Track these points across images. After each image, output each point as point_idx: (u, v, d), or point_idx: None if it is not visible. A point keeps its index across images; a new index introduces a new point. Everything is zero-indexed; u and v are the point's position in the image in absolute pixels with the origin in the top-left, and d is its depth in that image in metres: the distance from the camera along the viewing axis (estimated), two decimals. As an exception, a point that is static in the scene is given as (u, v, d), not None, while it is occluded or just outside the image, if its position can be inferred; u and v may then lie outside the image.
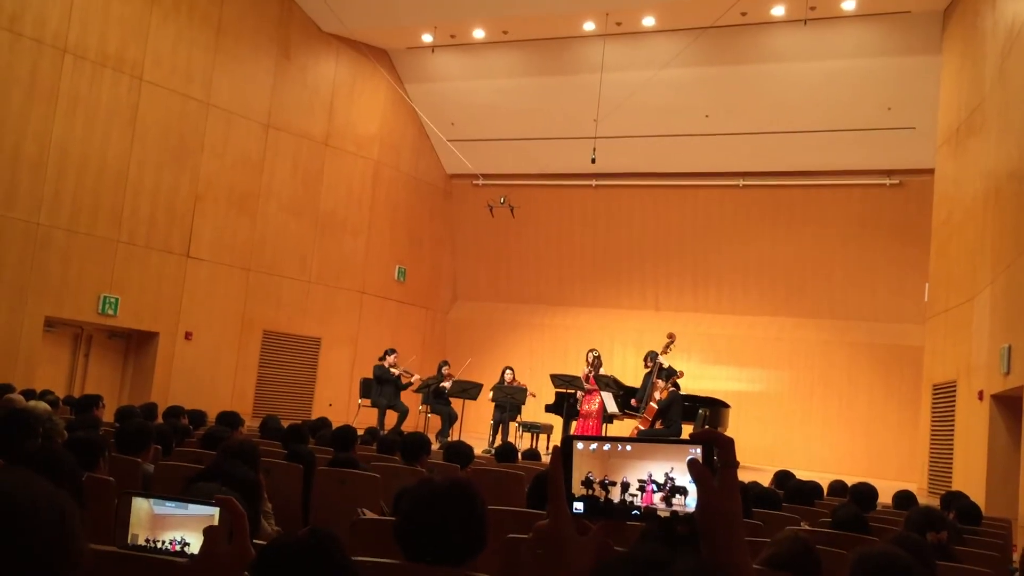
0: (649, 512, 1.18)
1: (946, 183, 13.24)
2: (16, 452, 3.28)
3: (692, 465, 1.16)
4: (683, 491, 1.17)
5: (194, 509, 1.91)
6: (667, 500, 1.18)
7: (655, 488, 1.18)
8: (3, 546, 1.00)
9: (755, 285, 17.22)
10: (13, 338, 12.68)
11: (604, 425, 13.58)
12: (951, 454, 11.88)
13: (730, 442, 1.18)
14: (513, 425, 13.87)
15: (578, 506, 1.19)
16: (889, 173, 16.02)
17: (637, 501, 1.18)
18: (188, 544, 1.89)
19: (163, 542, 1.92)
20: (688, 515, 1.17)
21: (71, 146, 13.29)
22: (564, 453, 1.21)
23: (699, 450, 1.17)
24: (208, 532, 1.53)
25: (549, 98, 16.85)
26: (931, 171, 14.18)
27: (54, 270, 13.12)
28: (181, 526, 1.91)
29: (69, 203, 13.29)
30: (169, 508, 1.93)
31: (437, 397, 14.04)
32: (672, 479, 1.18)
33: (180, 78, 14.68)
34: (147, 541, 1.93)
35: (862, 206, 16.26)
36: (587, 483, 1.20)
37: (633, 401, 13.56)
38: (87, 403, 8.40)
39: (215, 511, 1.76)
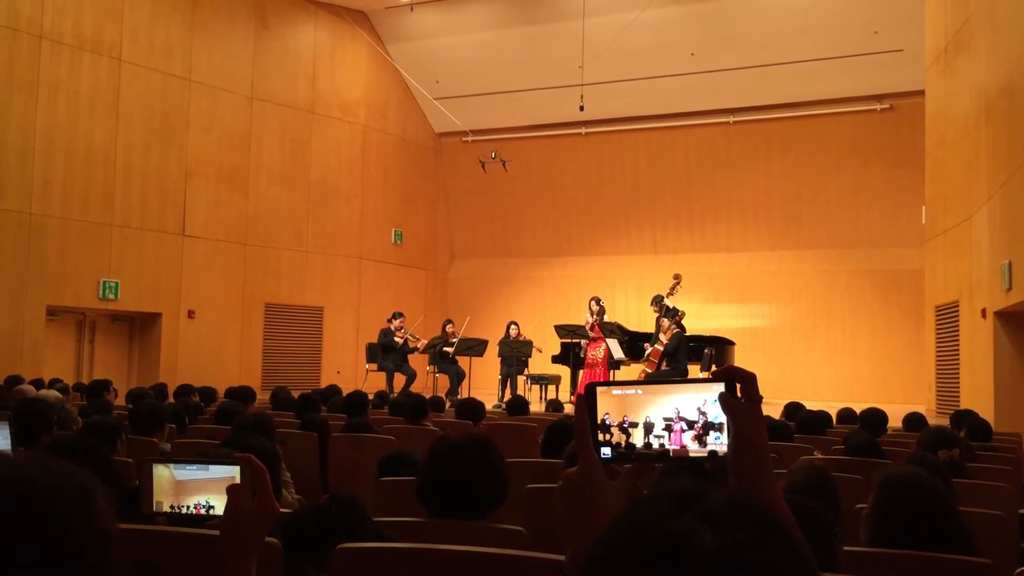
0: (681, 454, 1.17)
1: (937, 103, 13.16)
2: (34, 441, 3.30)
3: (724, 399, 1.17)
4: (718, 427, 1.17)
5: (215, 471, 1.92)
6: (700, 439, 1.18)
7: (685, 427, 1.18)
8: (29, 531, 1.01)
9: (752, 220, 17.19)
10: (16, 329, 12.69)
11: (611, 372, 13.64)
12: (957, 374, 11.94)
13: (752, 376, 1.19)
14: (521, 378, 13.94)
15: (605, 451, 1.19)
16: (879, 98, 15.92)
17: (665, 442, 1.18)
18: (213, 507, 1.91)
19: (188, 507, 1.94)
20: (714, 452, 1.17)
21: (56, 133, 13.19)
22: (588, 401, 1.21)
23: (722, 387, 1.18)
24: (231, 490, 1.54)
25: (533, 48, 16.68)
26: (921, 93, 14.09)
27: (51, 259, 13.09)
28: (204, 490, 1.93)
29: (60, 191, 13.22)
30: (191, 472, 1.94)
31: (443, 357, 14.09)
32: (704, 414, 1.17)
33: (159, 56, 14.52)
34: (172, 507, 1.95)
35: (854, 133, 16.18)
36: (604, 427, 1.19)
37: (647, 346, 13.54)
38: (97, 388, 8.42)
39: (236, 470, 1.76)
